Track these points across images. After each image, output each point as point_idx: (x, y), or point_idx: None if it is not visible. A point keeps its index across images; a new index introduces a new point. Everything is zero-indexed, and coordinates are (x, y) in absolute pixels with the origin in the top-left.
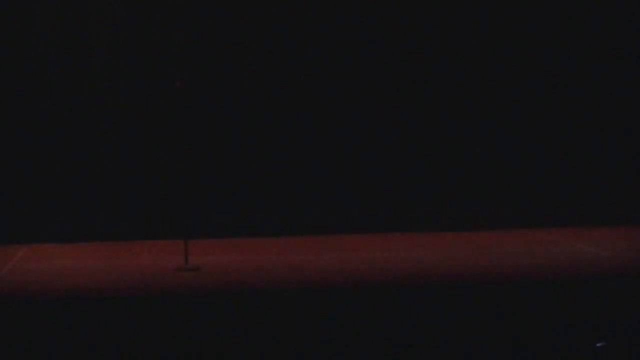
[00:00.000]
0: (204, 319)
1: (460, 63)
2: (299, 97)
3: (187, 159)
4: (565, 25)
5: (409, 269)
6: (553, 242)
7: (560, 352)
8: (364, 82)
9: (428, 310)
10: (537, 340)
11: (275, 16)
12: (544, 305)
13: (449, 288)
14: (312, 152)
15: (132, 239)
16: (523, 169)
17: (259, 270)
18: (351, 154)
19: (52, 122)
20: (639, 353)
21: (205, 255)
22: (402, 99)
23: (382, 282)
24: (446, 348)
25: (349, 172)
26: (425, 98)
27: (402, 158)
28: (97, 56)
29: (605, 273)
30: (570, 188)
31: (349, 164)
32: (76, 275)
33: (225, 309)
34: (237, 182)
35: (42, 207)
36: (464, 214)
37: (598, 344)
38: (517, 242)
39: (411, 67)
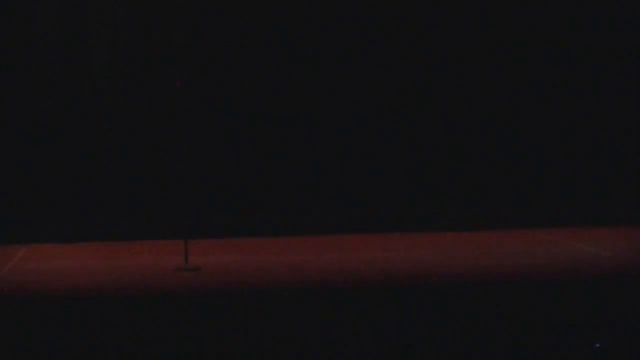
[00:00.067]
0: (204, 319)
1: (460, 63)
2: (299, 97)
3: (187, 159)
4: (565, 25)
5: (409, 269)
6: (553, 242)
7: (560, 352)
8: (364, 82)
9: (428, 310)
10: (537, 340)
11: (275, 16)
12: (544, 305)
13: (449, 288)
14: (312, 152)
15: (132, 239)
16: (523, 169)
17: (259, 270)
18: (351, 154)
19: (52, 122)
20: (639, 353)
21: (205, 255)
22: (402, 99)
23: (382, 282)
24: (446, 348)
25: (349, 172)
26: (425, 98)
27: (402, 158)
28: (97, 56)
29: (605, 273)
30: (570, 188)
31: (349, 164)
32: (76, 275)
33: (225, 309)
34: (237, 182)
35: (42, 207)
36: (464, 214)
37: (597, 344)
38: (517, 242)
39: (411, 67)
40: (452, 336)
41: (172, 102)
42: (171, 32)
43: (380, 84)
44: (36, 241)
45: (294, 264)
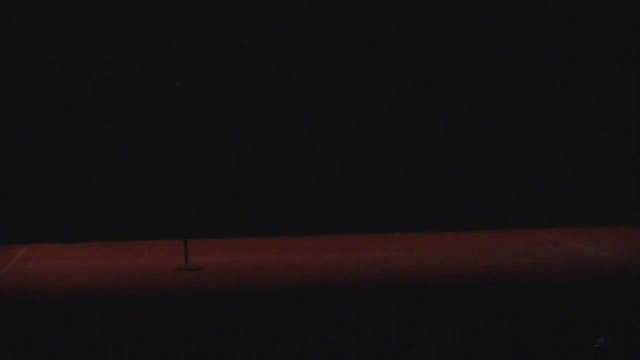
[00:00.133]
0: (204, 319)
1: (460, 63)
2: (299, 97)
3: (187, 159)
4: (565, 25)
5: (409, 269)
6: (553, 242)
7: (560, 352)
8: (364, 82)
9: (428, 310)
10: (537, 340)
11: (275, 16)
12: (544, 305)
13: (449, 288)
14: (312, 152)
15: (132, 239)
16: (523, 169)
17: (259, 270)
18: (351, 154)
19: (52, 122)
20: (639, 353)
21: (205, 255)
22: (402, 99)
23: (382, 282)
24: (446, 348)
25: (349, 172)
26: (425, 98)
27: (402, 158)
28: (97, 56)
29: (605, 273)
30: (570, 188)
31: (349, 164)
32: (76, 275)
33: (225, 309)
34: (237, 182)
35: (42, 207)
36: (464, 214)
37: (597, 344)
38: (517, 242)
39: (411, 67)
40: (452, 336)
41: (172, 102)
42: (171, 32)
43: (380, 84)
44: (36, 241)
45: (294, 264)
